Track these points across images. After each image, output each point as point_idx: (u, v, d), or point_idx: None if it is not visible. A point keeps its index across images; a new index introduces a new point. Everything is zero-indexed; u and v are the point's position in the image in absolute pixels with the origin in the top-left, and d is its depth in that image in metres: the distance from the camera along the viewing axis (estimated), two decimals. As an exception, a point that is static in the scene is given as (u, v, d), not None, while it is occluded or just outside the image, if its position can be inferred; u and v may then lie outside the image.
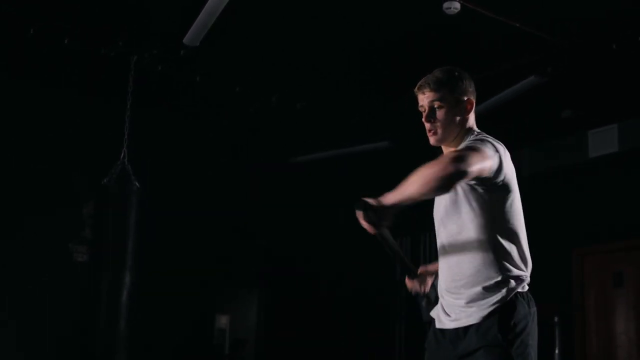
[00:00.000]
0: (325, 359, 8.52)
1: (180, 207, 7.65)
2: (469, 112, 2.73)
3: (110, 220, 5.50)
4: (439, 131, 2.71)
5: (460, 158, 2.42)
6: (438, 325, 2.72)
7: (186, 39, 5.45)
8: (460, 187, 2.59)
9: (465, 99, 2.72)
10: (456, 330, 2.62)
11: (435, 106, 2.69)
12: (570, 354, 7.16)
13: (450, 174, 2.39)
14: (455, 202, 2.63)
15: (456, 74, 2.72)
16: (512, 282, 2.58)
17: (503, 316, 2.54)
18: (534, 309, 2.63)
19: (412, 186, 2.41)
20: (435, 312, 2.76)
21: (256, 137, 8.13)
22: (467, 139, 2.69)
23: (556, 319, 6.77)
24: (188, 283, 7.65)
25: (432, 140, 2.75)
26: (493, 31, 5.58)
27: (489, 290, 2.57)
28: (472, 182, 2.55)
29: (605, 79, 6.41)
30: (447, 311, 2.68)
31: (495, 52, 5.99)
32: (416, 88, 2.74)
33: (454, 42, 5.85)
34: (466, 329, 2.59)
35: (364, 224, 2.46)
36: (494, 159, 2.53)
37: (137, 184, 5.54)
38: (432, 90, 2.69)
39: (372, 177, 8.50)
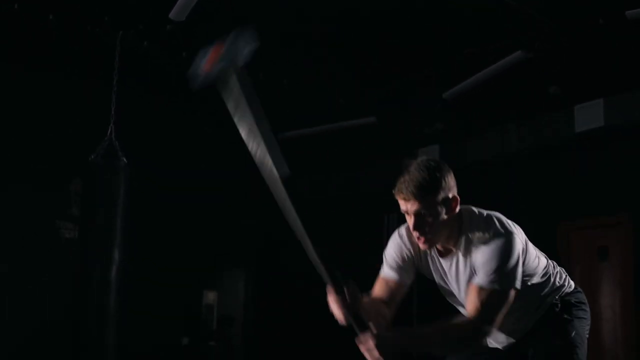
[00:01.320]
0: (313, 335, 8.56)
1: (168, 184, 7.64)
2: (455, 209, 2.56)
3: (98, 197, 5.49)
4: (430, 237, 2.56)
5: (489, 321, 2.44)
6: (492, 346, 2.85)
7: (172, 14, 5.42)
8: None
9: (451, 196, 2.54)
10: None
11: (423, 214, 2.50)
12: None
13: (483, 339, 2.52)
14: None
15: (437, 174, 2.50)
16: (557, 287, 2.80)
17: (556, 306, 2.75)
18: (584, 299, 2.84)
19: (437, 345, 2.47)
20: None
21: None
22: (466, 233, 2.58)
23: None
24: (176, 259, 7.66)
25: (423, 247, 2.60)
26: (480, 7, 5.57)
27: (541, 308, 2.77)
28: None
29: (591, 55, 6.42)
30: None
31: (482, 28, 5.98)
32: (396, 192, 2.53)
33: (441, 18, 5.84)
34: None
35: (368, 353, 2.38)
36: (518, 265, 2.51)
37: (124, 160, 5.52)
38: (416, 198, 2.48)
39: (360, 153, 8.53)
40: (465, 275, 2.59)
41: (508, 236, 2.50)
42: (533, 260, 2.66)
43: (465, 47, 6.26)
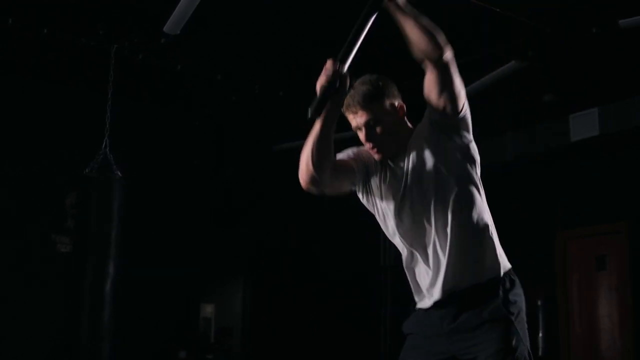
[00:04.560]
0: (312, 346, 8.54)
1: (164, 196, 7.62)
2: (403, 117, 2.68)
3: (93, 210, 5.48)
4: (384, 147, 2.64)
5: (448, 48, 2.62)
6: (421, 306, 2.68)
7: (166, 27, 5.42)
8: (434, 156, 2.60)
9: (396, 104, 2.67)
10: (445, 303, 2.58)
11: (372, 124, 2.62)
12: (554, 337, 7.22)
13: (443, 47, 2.62)
14: (433, 190, 2.59)
15: (380, 83, 2.66)
16: (506, 260, 2.65)
17: (504, 290, 2.56)
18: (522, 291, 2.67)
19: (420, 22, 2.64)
20: (418, 304, 2.71)
21: (239, 125, 8.11)
22: (409, 132, 2.67)
23: (540, 302, 6.81)
24: (172, 272, 7.63)
25: (378, 157, 2.67)
26: (473, 16, 5.58)
27: (483, 259, 2.59)
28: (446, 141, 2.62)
29: (585, 63, 6.43)
30: (427, 284, 2.64)
31: (475, 37, 5.99)
32: (344, 108, 2.64)
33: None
34: (458, 297, 2.56)
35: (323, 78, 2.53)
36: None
37: (119, 173, 5.52)
38: (363, 109, 2.62)
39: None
40: (423, 154, 2.60)
41: None
42: (477, 169, 2.70)
43: (459, 57, 6.26)
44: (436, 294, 2.59)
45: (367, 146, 2.66)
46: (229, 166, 8.34)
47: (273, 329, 8.62)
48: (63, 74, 6.89)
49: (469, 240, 2.57)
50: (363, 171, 2.73)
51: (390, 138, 2.63)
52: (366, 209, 2.84)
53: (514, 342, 2.50)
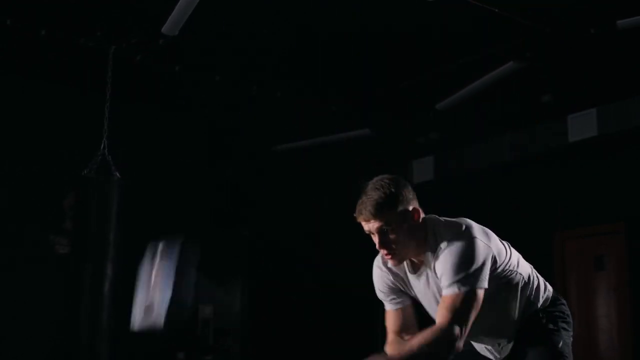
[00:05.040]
0: (310, 347, 8.54)
1: (162, 197, 7.61)
2: (418, 219, 2.60)
3: (91, 211, 5.47)
4: (398, 252, 2.58)
5: (458, 327, 2.44)
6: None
7: (165, 28, 5.41)
8: None
9: (411, 209, 2.58)
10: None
11: (385, 230, 2.55)
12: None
13: (452, 346, 2.45)
14: None
15: (392, 190, 2.55)
16: (548, 290, 2.84)
17: (545, 312, 2.77)
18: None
19: None
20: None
21: (237, 126, 8.11)
22: (433, 241, 2.59)
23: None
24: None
25: (393, 263, 2.64)
26: (472, 16, 5.58)
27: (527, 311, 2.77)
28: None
29: (583, 64, 6.44)
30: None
31: (474, 37, 5.99)
32: (356, 215, 2.59)
33: (433, 28, 5.85)
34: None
35: None
36: (487, 264, 2.53)
37: (117, 174, 5.51)
38: (375, 218, 2.54)
39: (354, 165, 8.52)
40: (436, 287, 2.60)
41: (469, 239, 2.51)
42: (508, 260, 2.66)
43: (457, 58, 6.27)
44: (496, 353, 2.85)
45: (382, 252, 2.61)
46: (227, 167, 8.33)
47: (272, 330, 8.61)
48: (61, 74, 6.89)
49: (515, 318, 2.75)
50: (404, 293, 2.78)
51: (405, 244, 2.57)
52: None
53: (560, 345, 2.73)
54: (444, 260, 2.49)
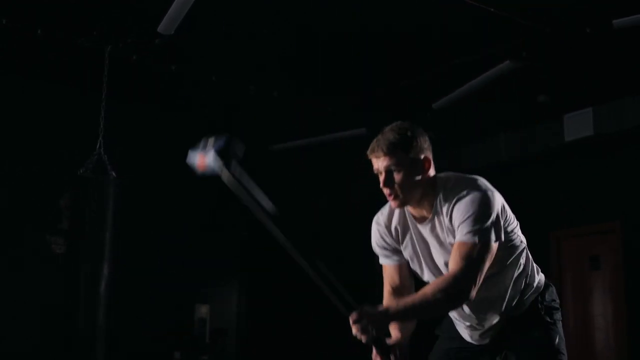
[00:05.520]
0: (306, 346, 8.54)
1: (159, 197, 7.61)
2: (427, 170, 2.62)
3: (88, 211, 5.47)
4: (400, 195, 2.59)
5: (471, 276, 2.44)
6: (468, 340, 2.84)
7: (160, 28, 5.41)
8: None
9: (422, 157, 2.61)
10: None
11: (392, 169, 2.57)
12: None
13: (465, 296, 2.46)
14: None
15: (409, 133, 2.59)
16: (540, 274, 2.82)
17: (544, 302, 2.74)
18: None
19: (423, 310, 2.47)
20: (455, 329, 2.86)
21: (233, 126, 8.10)
22: (441, 194, 2.62)
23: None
24: (167, 273, 7.62)
25: (394, 204, 2.64)
26: (468, 16, 5.59)
27: (523, 294, 2.73)
28: None
29: (579, 63, 6.44)
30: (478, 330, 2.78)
31: (470, 37, 6.00)
32: (369, 151, 2.62)
33: (430, 28, 5.86)
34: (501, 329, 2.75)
35: (357, 331, 2.46)
36: (499, 220, 2.54)
37: (113, 174, 5.50)
38: (385, 154, 2.57)
39: (351, 165, 8.52)
40: (444, 240, 2.60)
41: (486, 191, 2.55)
42: (513, 225, 2.68)
43: (454, 57, 6.28)
44: (477, 337, 2.78)
45: (385, 191, 2.62)
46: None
47: (268, 330, 8.62)
48: (57, 74, 6.88)
49: (511, 292, 2.71)
50: (394, 250, 2.80)
51: (409, 188, 2.58)
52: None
53: (557, 341, 2.70)
54: (463, 208, 2.51)
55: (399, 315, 2.49)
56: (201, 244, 8.12)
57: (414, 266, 2.76)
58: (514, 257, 2.67)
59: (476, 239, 2.46)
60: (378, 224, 2.80)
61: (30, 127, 7.07)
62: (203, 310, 8.41)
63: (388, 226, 2.75)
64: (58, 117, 7.16)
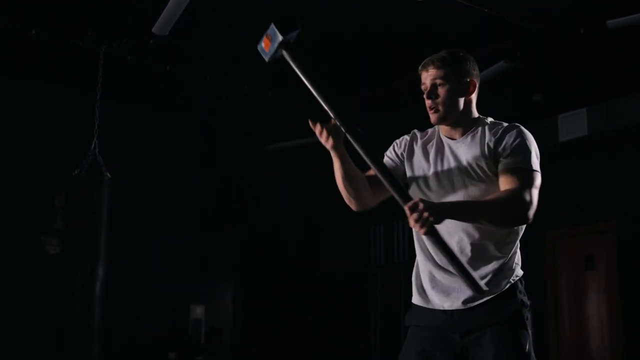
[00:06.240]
0: (302, 347, 8.54)
1: (153, 197, 7.61)
2: (471, 94, 2.72)
3: (82, 211, 5.46)
4: (441, 108, 2.66)
5: (532, 197, 2.50)
6: (427, 305, 2.69)
7: (155, 29, 5.41)
8: (494, 166, 2.61)
9: (468, 79, 2.71)
10: (461, 311, 2.61)
11: (438, 83, 2.67)
12: (543, 336, 7.23)
13: (525, 215, 2.49)
14: (481, 178, 2.61)
15: (461, 54, 2.73)
16: (519, 262, 2.72)
17: (521, 293, 2.66)
18: None
19: (482, 214, 2.49)
20: (422, 293, 2.71)
21: (228, 126, 8.11)
22: (484, 121, 2.72)
23: (528, 302, 6.82)
24: (162, 274, 7.62)
25: (433, 118, 2.70)
26: (462, 17, 5.60)
27: (505, 267, 2.65)
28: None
29: (573, 64, 6.46)
30: (446, 290, 2.64)
31: (465, 37, 6.01)
32: (420, 67, 2.72)
33: (424, 28, 5.86)
34: (477, 306, 2.60)
35: (414, 221, 2.37)
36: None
37: (108, 174, 5.50)
38: (435, 67, 2.67)
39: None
40: (471, 156, 2.62)
41: (530, 134, 2.65)
42: None
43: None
44: (454, 302, 2.62)
45: (427, 103, 2.69)
46: (219, 166, 8.33)
47: (263, 330, 8.62)
48: (52, 74, 6.88)
49: (497, 247, 2.64)
50: (401, 163, 2.79)
51: (450, 105, 2.66)
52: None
53: (527, 346, 2.59)
54: (512, 137, 2.60)
55: (457, 211, 2.48)
56: (196, 245, 8.12)
57: (419, 186, 2.72)
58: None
59: (527, 164, 2.55)
60: (410, 134, 2.84)
61: (25, 128, 7.07)
62: (198, 310, 8.41)
63: (414, 139, 2.79)
64: (52, 118, 7.16)
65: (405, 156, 2.78)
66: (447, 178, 2.66)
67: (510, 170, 2.54)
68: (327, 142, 2.65)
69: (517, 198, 2.49)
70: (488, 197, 2.51)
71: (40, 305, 6.66)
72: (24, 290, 6.79)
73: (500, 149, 2.59)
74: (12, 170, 6.95)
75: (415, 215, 2.35)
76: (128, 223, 6.81)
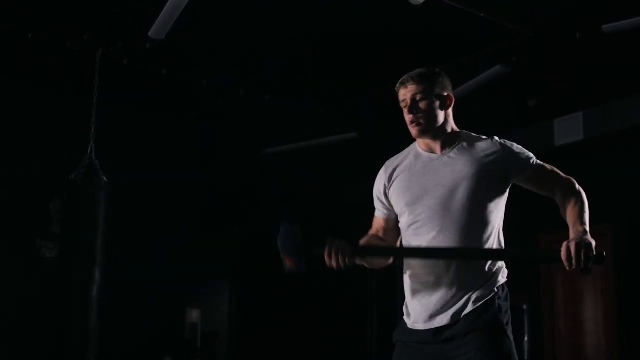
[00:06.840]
0: (298, 351, 8.53)
1: (150, 201, 7.60)
2: (449, 107, 2.86)
3: (79, 215, 5.46)
4: (423, 122, 2.79)
5: (567, 176, 3.02)
6: (413, 327, 2.74)
7: (151, 32, 5.41)
8: (485, 182, 2.77)
9: (446, 94, 2.85)
10: (444, 327, 2.67)
11: (418, 98, 2.80)
12: (539, 340, 7.24)
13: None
14: (473, 194, 2.72)
15: (436, 71, 2.88)
16: (505, 270, 2.80)
17: (500, 299, 2.70)
18: None
19: (587, 211, 2.87)
20: (408, 314, 2.79)
21: (224, 130, 8.11)
22: (465, 136, 2.88)
23: (525, 306, 6.84)
24: (157, 278, 7.60)
25: (415, 131, 2.82)
26: (458, 21, 5.60)
27: (489, 277, 2.71)
28: (506, 184, 2.91)
29: (569, 68, 6.47)
30: (431, 309, 2.69)
31: (460, 42, 6.02)
32: (398, 84, 2.86)
33: (420, 32, 5.87)
34: (459, 320, 2.65)
35: (578, 265, 2.61)
36: None
37: (104, 178, 5.49)
38: (415, 83, 2.81)
39: (342, 169, 8.54)
40: (459, 169, 2.73)
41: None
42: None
43: (444, 62, 6.29)
44: (443, 319, 2.68)
45: (407, 119, 2.82)
46: (216, 170, 8.32)
47: (259, 334, 8.61)
48: (48, 78, 6.86)
49: (484, 267, 2.72)
50: (390, 205, 2.91)
51: (431, 118, 2.80)
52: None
53: (505, 349, 2.62)
54: (509, 149, 2.92)
55: (588, 225, 2.82)
56: (192, 248, 8.11)
57: (410, 207, 2.78)
58: (495, 213, 2.84)
59: (540, 162, 2.94)
60: (384, 167, 2.94)
61: (21, 131, 7.05)
62: (194, 314, 8.40)
63: (393, 167, 2.89)
64: (49, 121, 7.14)
65: (389, 192, 2.87)
66: (434, 193, 2.73)
67: (539, 173, 2.96)
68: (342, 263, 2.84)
69: (574, 184, 2.97)
70: (570, 203, 2.93)
71: (37, 309, 6.65)
72: (20, 293, 6.77)
73: (508, 161, 2.87)
74: (7, 174, 6.94)
75: (574, 261, 2.59)
76: (124, 226, 6.80)
